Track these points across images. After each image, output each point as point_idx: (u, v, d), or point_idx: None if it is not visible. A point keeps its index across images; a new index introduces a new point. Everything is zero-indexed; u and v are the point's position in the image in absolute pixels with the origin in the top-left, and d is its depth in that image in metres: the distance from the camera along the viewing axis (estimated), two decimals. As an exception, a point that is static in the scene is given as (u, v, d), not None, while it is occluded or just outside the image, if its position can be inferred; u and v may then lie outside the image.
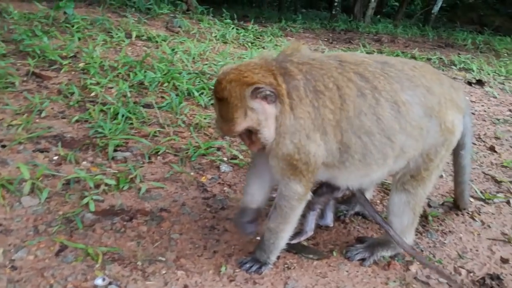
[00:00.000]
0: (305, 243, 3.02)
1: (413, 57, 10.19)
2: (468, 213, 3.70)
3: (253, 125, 2.44)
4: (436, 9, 18.24)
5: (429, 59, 10.18)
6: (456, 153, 3.18)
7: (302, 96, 2.44)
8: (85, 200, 3.10)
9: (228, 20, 10.94)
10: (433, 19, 18.48)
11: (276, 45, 9.25)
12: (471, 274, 2.95)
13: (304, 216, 3.01)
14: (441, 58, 10.37)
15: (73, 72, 5.62)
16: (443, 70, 9.40)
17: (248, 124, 2.44)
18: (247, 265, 2.74)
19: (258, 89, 2.37)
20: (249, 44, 9.24)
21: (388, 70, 2.57)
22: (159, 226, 3.02)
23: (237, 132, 2.50)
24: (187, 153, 4.03)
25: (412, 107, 2.55)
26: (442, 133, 2.66)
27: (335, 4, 18.15)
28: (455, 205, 3.73)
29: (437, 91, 2.64)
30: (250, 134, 2.53)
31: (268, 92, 2.38)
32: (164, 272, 2.61)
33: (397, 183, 2.85)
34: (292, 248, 2.95)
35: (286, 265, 2.83)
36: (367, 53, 10.03)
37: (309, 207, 2.98)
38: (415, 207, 2.88)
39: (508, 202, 3.96)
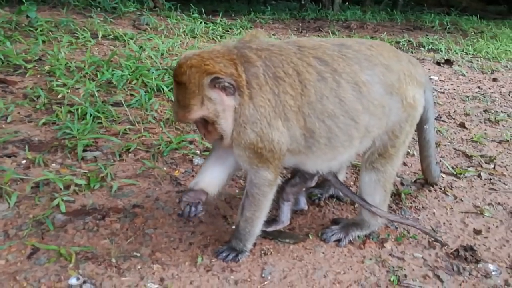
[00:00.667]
0: (281, 229, 3.03)
1: (382, 41, 10.28)
2: (440, 189, 3.76)
3: (209, 114, 2.41)
4: (403, -7, 18.40)
5: (398, 42, 10.30)
6: (420, 127, 3.21)
7: (262, 83, 2.42)
8: (55, 202, 3.04)
9: (196, 15, 10.85)
10: (401, 3, 18.65)
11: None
12: (445, 247, 3.00)
13: (279, 206, 3.03)
14: (409, 41, 10.51)
15: (38, 76, 5.50)
16: (412, 52, 9.53)
17: (204, 113, 2.41)
18: (224, 254, 2.73)
19: (217, 79, 2.34)
20: (218, 37, 9.19)
21: (346, 52, 2.57)
22: (133, 223, 2.98)
23: (192, 120, 2.48)
24: (159, 148, 3.99)
25: (372, 87, 2.56)
26: (404, 109, 2.69)
27: (304, -7, 18.17)
28: (426, 181, 3.78)
29: (395, 68, 2.66)
30: (206, 124, 2.50)
31: (227, 84, 2.35)
32: (139, 267, 2.58)
33: (366, 162, 2.88)
34: (268, 235, 2.95)
35: (262, 251, 2.83)
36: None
37: (283, 197, 2.99)
38: (385, 184, 2.92)
39: (479, 176, 4.04)
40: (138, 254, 2.69)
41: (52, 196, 3.13)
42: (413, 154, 4.36)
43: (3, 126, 4.13)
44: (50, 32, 7.36)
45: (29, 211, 2.99)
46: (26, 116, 4.39)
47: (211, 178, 2.83)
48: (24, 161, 3.58)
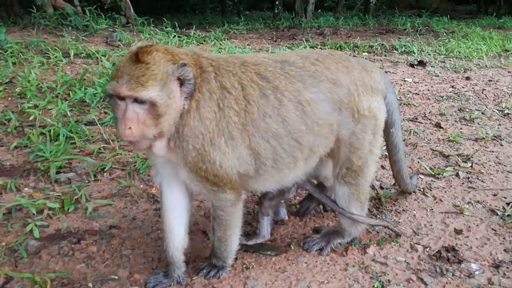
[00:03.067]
0: (262, 241, 2.98)
1: (356, 46, 10.39)
2: (419, 190, 3.76)
3: (161, 103, 2.13)
4: (374, -2, 18.69)
5: (371, 46, 10.41)
6: (386, 131, 3.10)
7: (212, 90, 2.30)
8: (28, 228, 2.96)
9: (170, 29, 10.81)
10: (373, 8, 18.93)
11: (220, 48, 9.18)
12: (427, 249, 2.99)
13: (258, 220, 2.99)
14: (382, 44, 10.63)
15: (9, 98, 5.39)
16: (385, 55, 9.63)
17: (157, 99, 2.11)
18: (205, 271, 2.68)
19: (184, 67, 2.18)
20: (193, 50, 9.15)
21: (289, 69, 2.48)
22: (109, 244, 2.91)
23: (141, 98, 2.11)
24: (134, 166, 3.92)
25: (317, 105, 2.47)
26: (357, 121, 2.60)
27: (277, 3, 18.30)
28: (401, 189, 3.66)
29: (344, 82, 2.56)
30: (144, 115, 2.16)
31: (189, 76, 2.20)
32: (117, 290, 2.51)
33: (337, 177, 2.80)
34: (249, 248, 2.91)
35: (244, 265, 2.78)
36: (310, 47, 10.17)
37: (262, 212, 2.95)
38: (359, 196, 2.85)
39: (457, 175, 4.06)
40: (116, 277, 2.62)
41: (25, 222, 3.05)
42: (391, 157, 4.37)
43: (-27, 152, 4.02)
44: (20, 54, 7.23)
45: (1, 239, 2.89)
46: (-3, 141, 4.28)
47: (179, 237, 2.66)
48: (-5, 187, 3.48)
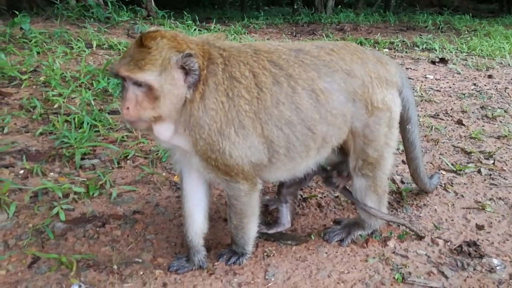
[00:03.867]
0: (282, 231, 3.01)
1: (376, 42, 10.32)
2: (441, 185, 3.75)
3: (158, 87, 2.15)
4: (395, -5, 18.51)
5: (392, 43, 10.33)
6: (402, 128, 3.02)
7: (219, 82, 2.28)
8: (54, 211, 3.02)
9: (190, 22, 10.86)
10: (393, 5, 18.75)
11: (239, 42, 9.21)
12: (449, 243, 2.99)
13: (278, 209, 3.01)
14: (403, 41, 10.54)
15: (34, 86, 5.49)
16: (406, 52, 9.56)
17: (154, 83, 2.14)
18: (225, 257, 2.71)
19: (189, 57, 2.19)
20: (213, 44, 9.18)
21: (303, 58, 2.45)
22: (133, 229, 2.96)
23: (134, 79, 2.16)
24: (157, 154, 3.97)
25: (331, 95, 2.44)
26: (370, 113, 2.57)
27: (296, -2, 18.25)
28: (419, 188, 3.57)
29: (359, 73, 2.53)
30: (143, 96, 2.19)
31: (194, 67, 2.20)
32: (141, 273, 2.56)
33: (355, 169, 2.78)
34: (270, 237, 2.94)
35: (265, 253, 2.81)
36: (331, 42, 10.10)
37: (281, 200, 2.97)
38: (376, 189, 2.83)
39: (479, 171, 4.03)
40: (140, 260, 2.67)
41: (51, 205, 3.11)
42: (412, 152, 4.36)
43: (0, 137, 4.10)
44: (44, 43, 7.34)
45: (29, 221, 2.97)
46: (23, 127, 4.37)
47: (199, 222, 2.70)
48: (22, 171, 3.56)
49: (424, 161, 4.15)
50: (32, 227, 2.89)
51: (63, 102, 4.85)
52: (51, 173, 3.57)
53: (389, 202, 3.40)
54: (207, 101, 2.25)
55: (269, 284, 2.55)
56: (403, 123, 2.97)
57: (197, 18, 11.93)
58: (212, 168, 2.37)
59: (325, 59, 2.47)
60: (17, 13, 8.14)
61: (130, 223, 3.02)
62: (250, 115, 2.31)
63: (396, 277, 2.63)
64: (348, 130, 2.59)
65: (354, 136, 2.66)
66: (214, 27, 10.94)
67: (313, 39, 10.69)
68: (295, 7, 17.89)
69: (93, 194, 3.29)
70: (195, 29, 10.00)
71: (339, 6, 19.71)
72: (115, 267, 2.58)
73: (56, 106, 4.85)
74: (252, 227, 2.68)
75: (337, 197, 3.49)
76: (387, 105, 2.61)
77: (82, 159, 3.77)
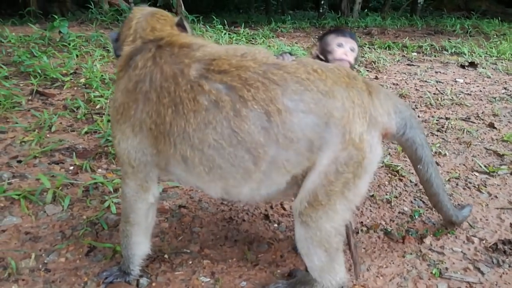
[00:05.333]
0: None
1: (404, 46, 10.37)
2: (474, 186, 3.82)
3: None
4: (421, -1, 18.44)
5: (420, 47, 10.36)
6: (414, 167, 2.77)
7: (134, 74, 2.21)
8: (106, 204, 3.20)
9: (220, 26, 11.07)
10: (420, 8, 18.67)
11: (269, 45, 9.38)
12: (483, 242, 3.06)
13: None
14: (432, 45, 10.54)
15: (75, 88, 5.73)
16: (435, 56, 9.58)
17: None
18: (107, 272, 2.57)
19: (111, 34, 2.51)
20: (243, 47, 9.35)
21: (272, 74, 2.08)
22: (180, 222, 3.12)
23: None
24: (197, 153, 4.14)
25: (291, 116, 2.04)
26: (344, 146, 2.08)
27: (322, 2, 18.32)
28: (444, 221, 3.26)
29: (339, 95, 2.10)
30: None
31: (111, 41, 2.49)
32: (190, 262, 2.72)
33: (296, 212, 2.24)
34: None
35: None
36: (359, 46, 10.16)
37: None
38: (322, 243, 2.24)
39: (512, 173, 4.09)
40: (188, 251, 2.82)
41: (103, 199, 3.30)
42: (445, 154, 4.43)
43: (48, 135, 4.33)
44: (82, 47, 7.63)
45: (82, 213, 3.15)
46: (69, 126, 4.59)
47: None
48: (71, 167, 3.76)
49: (456, 163, 4.24)
50: (86, 218, 3.08)
51: (106, 103, 5.07)
52: (99, 169, 3.77)
53: (424, 202, 3.51)
54: (120, 82, 2.28)
55: (311, 276, 2.67)
56: (413, 163, 2.74)
57: (226, 22, 12.12)
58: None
59: (300, 77, 2.10)
60: (55, 17, 8.47)
61: (177, 216, 3.18)
62: (154, 133, 2.16)
63: (433, 272, 2.73)
64: (314, 160, 2.12)
65: (312, 170, 2.16)
66: (243, 31, 11.12)
67: (340, 43, 10.75)
68: (321, 11, 17.98)
69: (140, 189, 3.46)
70: (225, 33, 10.19)
71: (365, 10, 19.71)
72: (166, 256, 2.75)
73: (98, 106, 5.07)
74: (136, 241, 2.48)
75: (372, 196, 3.60)
76: (362, 144, 2.11)
77: (127, 156, 3.95)
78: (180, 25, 2.50)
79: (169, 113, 2.10)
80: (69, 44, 7.56)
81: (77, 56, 7.05)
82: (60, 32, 8.01)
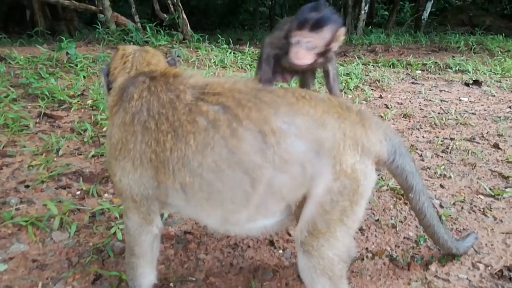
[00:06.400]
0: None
1: (409, 64, 10.41)
2: (479, 210, 3.81)
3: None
4: (425, 14, 18.55)
5: (424, 64, 10.39)
6: (406, 196, 2.71)
7: (131, 107, 2.25)
8: (112, 230, 3.23)
9: (225, 45, 11.18)
10: (424, 24, 18.78)
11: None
12: (489, 268, 3.06)
13: None
14: (436, 62, 10.58)
15: (82, 110, 5.80)
16: (439, 74, 9.61)
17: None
18: None
19: (103, 68, 2.54)
20: (248, 66, 9.44)
21: (262, 95, 2.14)
22: (186, 248, 3.14)
23: None
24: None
25: (285, 137, 2.04)
26: (336, 176, 2.09)
27: (326, 19, 18.44)
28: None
29: (330, 125, 2.11)
30: None
31: (102, 78, 2.53)
32: (196, 291, 2.73)
33: (297, 243, 2.26)
34: None
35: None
36: (363, 64, 10.24)
37: None
38: (325, 271, 2.24)
39: (517, 196, 4.08)
40: (194, 279, 2.84)
41: (109, 225, 3.33)
42: (450, 176, 4.43)
43: (55, 159, 4.38)
44: (89, 68, 7.72)
45: (88, 240, 3.18)
46: (76, 149, 4.64)
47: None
48: (78, 192, 3.80)
49: (461, 186, 4.24)
50: (93, 245, 3.11)
51: (112, 125, 5.12)
52: (106, 194, 3.81)
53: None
54: (115, 117, 2.30)
55: (317, 304, 2.67)
56: (405, 191, 2.67)
57: (231, 41, 12.23)
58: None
59: (290, 101, 2.13)
60: (62, 38, 8.59)
61: (182, 242, 3.20)
62: (154, 164, 2.19)
63: (439, 300, 2.73)
64: (306, 188, 2.14)
65: (308, 200, 2.18)
66: (248, 49, 11.22)
67: (345, 61, 10.81)
68: (325, 28, 18.09)
69: (146, 215, 3.49)
70: (230, 52, 10.29)
71: (369, 27, 19.84)
72: (171, 285, 2.76)
73: (105, 129, 5.13)
74: (142, 273, 2.52)
75: (377, 220, 3.60)
76: (356, 174, 2.13)
77: (133, 181, 3.98)
78: (172, 65, 2.60)
79: (168, 139, 2.13)
80: (77, 66, 7.66)
81: (84, 77, 7.14)
82: (67, 53, 8.12)
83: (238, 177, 2.08)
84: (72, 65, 7.75)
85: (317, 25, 2.34)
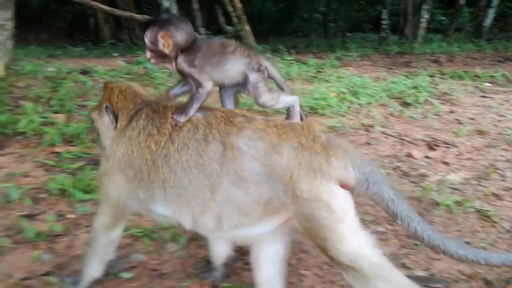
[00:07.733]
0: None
1: (476, 75, 10.25)
2: None
3: (93, 120, 2.84)
4: (487, 22, 18.15)
5: (492, 76, 10.21)
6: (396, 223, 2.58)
7: (135, 132, 2.57)
8: (217, 243, 3.51)
9: (290, 58, 11.35)
10: (486, 31, 18.36)
11: (338, 77, 9.58)
12: None
13: None
14: (504, 74, 10.35)
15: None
16: (508, 87, 9.43)
17: (92, 118, 2.85)
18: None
19: (106, 109, 2.70)
20: (312, 78, 9.59)
21: (234, 118, 2.43)
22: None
23: (91, 118, 2.89)
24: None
25: (242, 156, 2.29)
26: (295, 202, 2.25)
27: (384, 26, 18.36)
28: None
29: (286, 154, 2.27)
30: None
31: (111, 115, 2.68)
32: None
33: (338, 265, 2.38)
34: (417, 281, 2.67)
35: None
36: (428, 76, 10.16)
37: None
38: (366, 274, 2.33)
39: None
40: (300, 293, 3.07)
41: (213, 238, 3.61)
42: None
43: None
44: (166, 81, 8.15)
45: (198, 252, 3.48)
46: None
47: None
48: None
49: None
50: (203, 257, 3.39)
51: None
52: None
53: None
54: (120, 136, 2.62)
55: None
56: (393, 219, 2.54)
57: (289, 50, 12.37)
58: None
59: (256, 127, 2.36)
60: (139, 53, 9.11)
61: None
62: (149, 163, 2.48)
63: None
64: (265, 208, 2.31)
65: (288, 222, 2.40)
66: (311, 60, 11.40)
67: (409, 72, 10.77)
68: (382, 34, 18.01)
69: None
70: (293, 63, 10.52)
71: (428, 33, 19.57)
72: None
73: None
74: (90, 264, 2.89)
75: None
76: (317, 196, 2.23)
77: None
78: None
79: (164, 139, 2.45)
80: (155, 79, 8.10)
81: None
82: (145, 67, 8.61)
83: (201, 179, 2.34)
84: (150, 78, 8.20)
85: (145, 25, 2.69)
